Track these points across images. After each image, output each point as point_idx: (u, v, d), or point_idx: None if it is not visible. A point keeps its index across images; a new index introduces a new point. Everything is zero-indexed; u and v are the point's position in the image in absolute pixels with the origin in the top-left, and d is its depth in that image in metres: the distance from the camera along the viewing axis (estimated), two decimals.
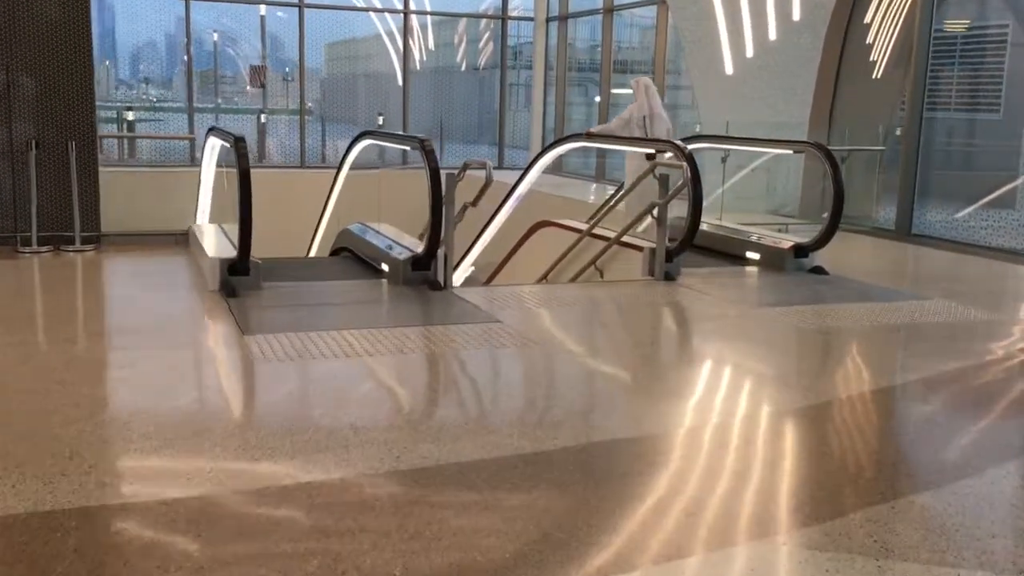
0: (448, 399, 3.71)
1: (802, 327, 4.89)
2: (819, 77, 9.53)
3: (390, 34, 16.48)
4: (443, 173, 5.54)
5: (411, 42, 16.37)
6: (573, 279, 7.06)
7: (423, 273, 5.66)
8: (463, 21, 18.73)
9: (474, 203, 5.51)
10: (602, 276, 6.83)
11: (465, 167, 5.63)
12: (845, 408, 3.60)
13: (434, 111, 18.81)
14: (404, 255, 5.76)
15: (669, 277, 6.08)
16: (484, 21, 17.45)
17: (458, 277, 8.81)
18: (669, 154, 6.20)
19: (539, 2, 15.67)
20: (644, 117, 8.17)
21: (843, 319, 5.09)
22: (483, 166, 5.41)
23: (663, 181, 5.99)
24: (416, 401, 3.65)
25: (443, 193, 5.50)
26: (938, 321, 5.11)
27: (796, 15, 9.36)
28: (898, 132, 9.42)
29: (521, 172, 8.35)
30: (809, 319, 5.05)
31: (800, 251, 6.55)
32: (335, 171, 8.12)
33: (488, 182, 5.35)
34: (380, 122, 17.61)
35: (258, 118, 16.18)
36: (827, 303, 5.50)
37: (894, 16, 9.24)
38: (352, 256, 6.86)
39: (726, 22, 9.75)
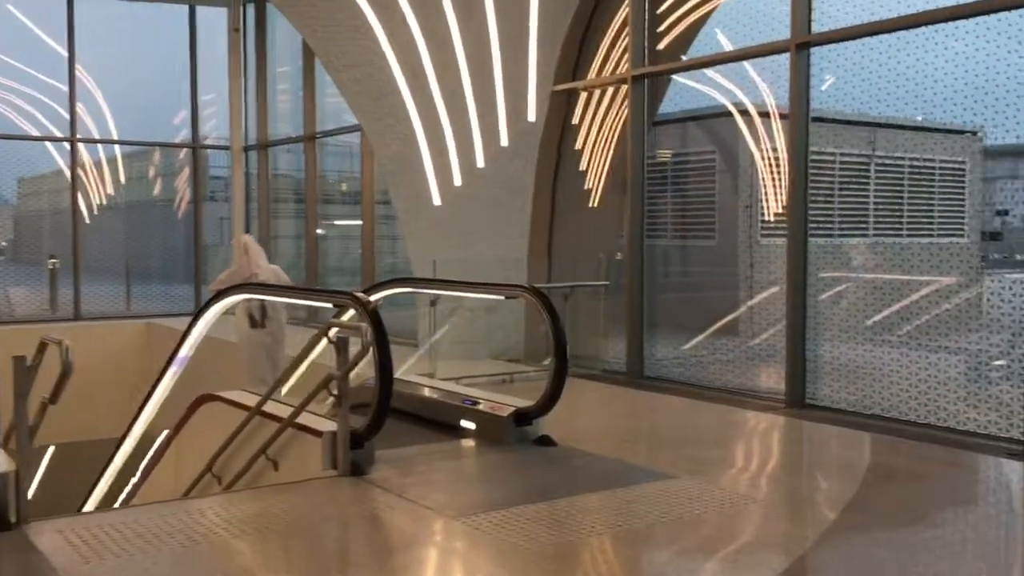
0: None
1: (526, 549, 3.54)
2: (534, 207, 8.72)
3: (81, 166, 14.31)
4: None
5: (92, 174, 14.27)
6: (241, 474, 5.37)
7: None
8: (157, 152, 16.80)
9: (52, 398, 3.76)
10: (276, 468, 5.20)
11: (42, 347, 3.89)
12: None
13: (125, 249, 16.59)
14: None
15: (357, 469, 4.60)
16: (185, 152, 15.59)
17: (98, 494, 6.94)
18: (351, 312, 4.81)
19: (235, 130, 14.20)
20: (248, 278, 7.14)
21: (577, 526, 3.82)
22: (59, 345, 3.71)
23: (340, 347, 4.56)
24: None
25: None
26: (692, 514, 3.98)
27: (504, 140, 8.54)
28: (619, 256, 8.80)
29: (184, 330, 6.64)
30: (534, 531, 3.73)
31: (522, 418, 5.34)
32: None
33: (65, 371, 3.64)
34: (53, 265, 15.09)
35: None
36: (556, 497, 4.23)
37: (605, 142, 8.67)
38: None
39: (428, 147, 8.74)
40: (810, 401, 6.55)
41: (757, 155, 8.99)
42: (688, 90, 8.74)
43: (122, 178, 15.22)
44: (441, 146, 8.76)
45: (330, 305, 4.94)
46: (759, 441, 5.95)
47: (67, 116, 13.44)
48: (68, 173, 14.07)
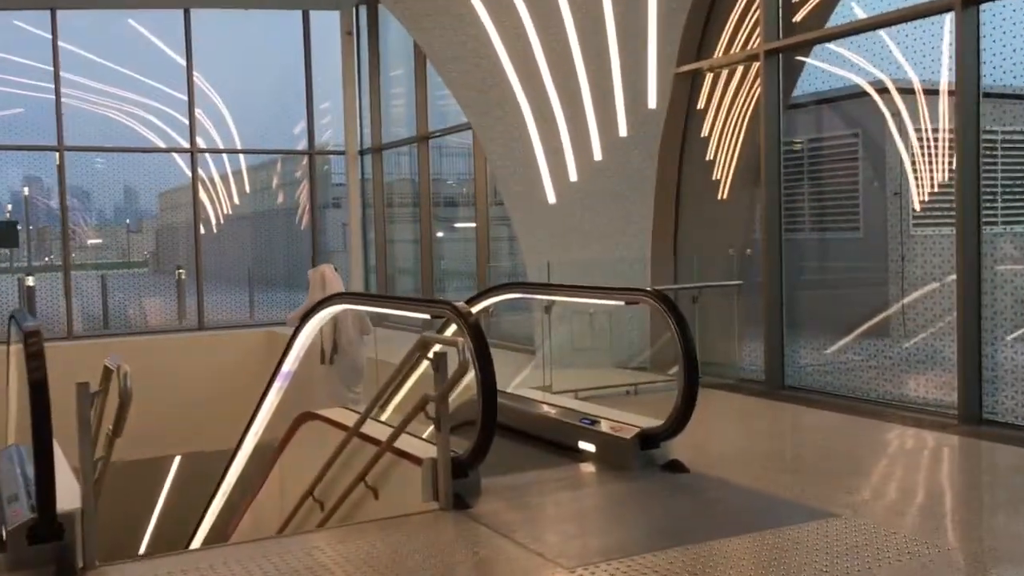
0: None
1: None
2: (657, 201, 8.00)
3: (212, 180, 14.55)
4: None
5: (219, 186, 14.44)
6: (339, 503, 4.92)
7: (51, 546, 3.42)
8: (280, 163, 16.90)
9: (115, 431, 3.35)
10: (376, 496, 4.72)
11: (107, 373, 3.49)
12: None
13: (250, 258, 16.81)
14: (22, 519, 3.50)
15: (461, 502, 4.06)
16: (304, 161, 15.57)
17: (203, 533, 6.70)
18: (453, 327, 4.27)
19: (350, 134, 14.03)
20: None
21: None
22: (117, 371, 3.30)
23: (438, 364, 4.02)
24: None
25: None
26: (863, 568, 3.23)
27: (623, 130, 7.85)
28: (748, 252, 8.01)
29: (285, 346, 6.29)
30: None
31: (648, 440, 4.68)
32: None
33: (124, 400, 3.23)
34: (180, 275, 15.37)
35: (19, 280, 13.56)
36: (691, 541, 3.55)
37: (734, 128, 7.87)
38: None
39: (541, 142, 8.14)
40: (988, 416, 5.61)
41: (907, 137, 8.01)
42: (822, 72, 7.87)
43: (247, 188, 15.37)
44: (554, 139, 8.15)
45: (427, 316, 4.40)
46: (933, 468, 5.07)
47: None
48: (208, 186, 14.24)
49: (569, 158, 8.11)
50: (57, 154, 12.44)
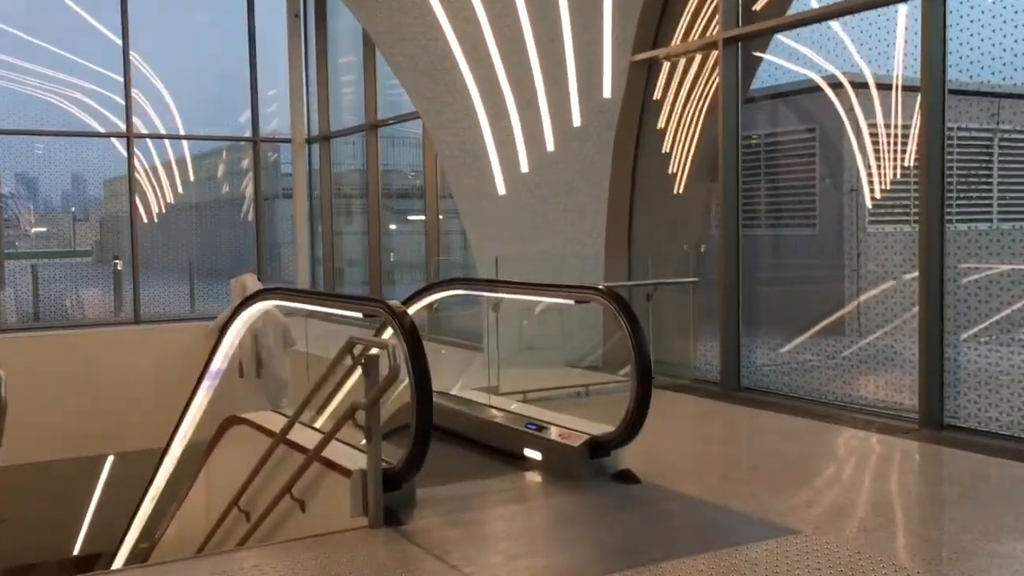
0: None
1: None
2: (611, 194, 7.71)
3: (154, 167, 13.97)
4: None
5: (162, 174, 13.86)
6: (265, 514, 4.55)
7: None
8: (225, 150, 16.30)
9: None
10: (304, 509, 4.37)
11: None
12: None
13: (197, 248, 16.22)
14: None
15: (393, 517, 3.72)
16: (250, 149, 14.99)
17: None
18: (390, 332, 3.92)
19: (296, 121, 13.56)
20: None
21: None
22: None
23: (369, 368, 3.67)
24: None
25: None
26: None
27: (576, 120, 7.54)
28: (702, 248, 7.79)
29: (213, 345, 5.87)
30: None
31: (598, 448, 4.38)
32: None
33: None
34: (116, 266, 14.73)
35: None
36: (643, 562, 3.26)
37: (691, 120, 7.61)
38: None
39: (491, 130, 7.80)
40: (950, 420, 5.41)
41: (860, 133, 7.84)
42: (780, 66, 7.65)
43: (191, 177, 14.83)
44: (505, 129, 7.81)
45: (360, 315, 4.05)
46: (895, 477, 4.84)
47: (134, 115, 13.01)
48: (143, 171, 13.63)
49: (520, 148, 7.79)
50: None
